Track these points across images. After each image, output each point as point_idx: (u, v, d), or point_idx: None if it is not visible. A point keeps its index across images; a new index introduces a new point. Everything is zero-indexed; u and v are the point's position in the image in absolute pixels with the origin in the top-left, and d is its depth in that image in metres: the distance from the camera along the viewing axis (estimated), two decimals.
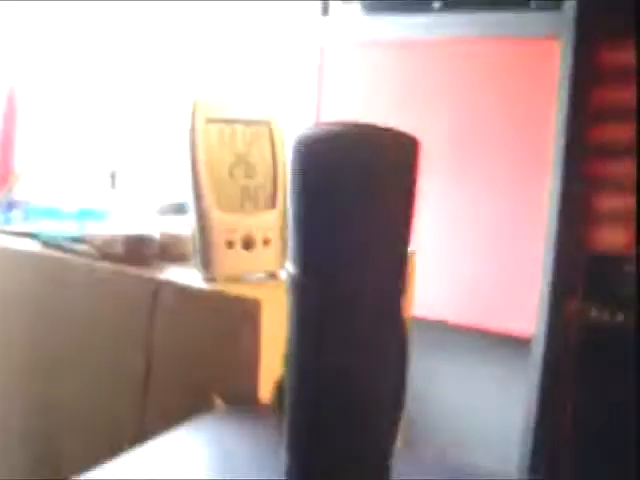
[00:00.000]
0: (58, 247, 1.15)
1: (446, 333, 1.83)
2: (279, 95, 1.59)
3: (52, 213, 1.33)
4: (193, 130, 0.93)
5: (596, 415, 1.61)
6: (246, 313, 0.89)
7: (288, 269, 0.59)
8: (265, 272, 0.99)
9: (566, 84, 1.60)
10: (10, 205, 1.44)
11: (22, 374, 1.24)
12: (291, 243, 0.58)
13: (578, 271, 1.67)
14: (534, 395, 1.68)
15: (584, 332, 1.67)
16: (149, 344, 0.99)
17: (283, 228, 0.99)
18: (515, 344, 1.74)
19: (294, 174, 0.57)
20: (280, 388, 0.91)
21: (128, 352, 1.03)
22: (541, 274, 1.65)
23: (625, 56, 1.56)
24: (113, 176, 1.50)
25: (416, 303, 1.35)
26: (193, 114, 0.94)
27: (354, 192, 0.54)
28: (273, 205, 0.99)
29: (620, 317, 1.60)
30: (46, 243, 1.18)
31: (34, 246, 1.19)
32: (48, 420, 1.21)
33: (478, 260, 1.77)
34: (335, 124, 0.58)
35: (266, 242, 0.97)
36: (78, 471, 0.68)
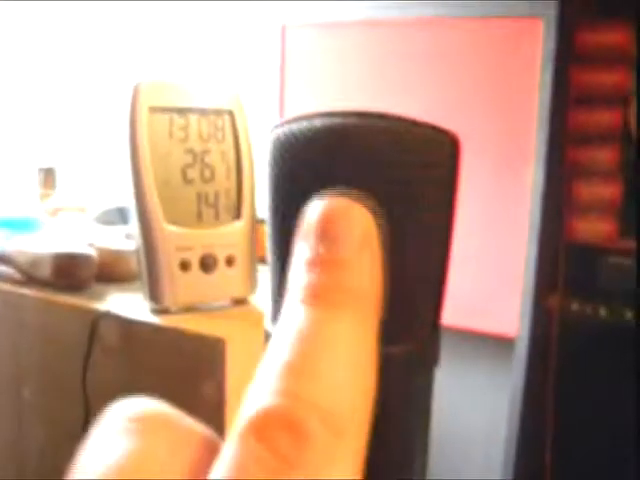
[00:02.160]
0: None
1: None
2: (239, 80, 1.40)
3: None
4: (134, 121, 0.74)
5: (579, 409, 1.57)
6: (208, 355, 0.70)
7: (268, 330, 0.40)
8: (230, 299, 0.80)
9: (549, 66, 1.51)
10: None
11: None
12: (271, 289, 0.39)
13: (560, 263, 1.62)
14: (518, 392, 1.63)
15: (566, 326, 1.60)
16: (87, 391, 0.79)
17: (250, 243, 0.79)
18: (498, 344, 1.70)
19: (275, 181, 0.38)
20: None
21: (62, 400, 0.83)
22: (522, 272, 1.59)
23: (608, 37, 1.49)
24: (48, 174, 1.29)
25: None
26: (134, 101, 0.75)
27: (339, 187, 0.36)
28: (238, 215, 0.79)
29: (602, 311, 1.57)
30: None
31: None
32: None
33: (458, 260, 1.64)
34: (312, 115, 0.39)
35: (230, 261, 0.78)
36: None
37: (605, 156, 1.56)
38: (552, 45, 1.50)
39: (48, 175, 1.37)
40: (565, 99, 1.54)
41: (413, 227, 0.29)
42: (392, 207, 0.27)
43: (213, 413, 0.71)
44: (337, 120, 0.36)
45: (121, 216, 1.06)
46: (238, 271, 0.79)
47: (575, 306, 1.60)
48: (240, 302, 0.80)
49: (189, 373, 0.72)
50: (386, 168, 0.28)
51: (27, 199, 1.21)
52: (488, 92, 1.59)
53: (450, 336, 1.72)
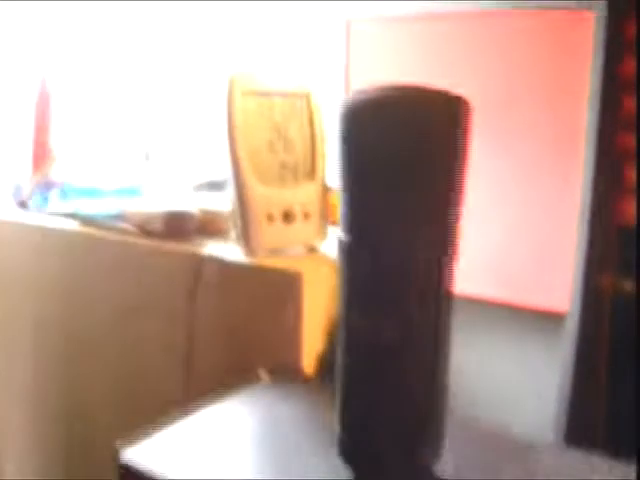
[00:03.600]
0: (97, 225, 1.16)
1: (472, 308, 1.82)
2: (309, 69, 1.57)
3: (90, 192, 1.34)
4: (230, 103, 0.93)
5: (631, 386, 1.59)
6: (288, 286, 0.89)
7: (339, 236, 0.58)
8: (305, 246, 0.99)
9: (600, 53, 1.58)
10: (47, 186, 1.45)
11: (61, 353, 1.25)
12: (341, 210, 0.57)
13: (611, 244, 1.66)
14: (569, 370, 1.66)
15: (619, 306, 1.65)
16: (191, 320, 0.99)
17: (322, 201, 0.98)
18: (547, 320, 1.73)
19: (341, 141, 0.56)
20: (323, 360, 0.91)
21: (170, 329, 1.03)
22: (573, 248, 1.64)
23: None
24: (148, 156, 1.51)
25: None
26: (230, 87, 0.94)
27: (402, 158, 0.53)
28: (312, 178, 0.98)
29: None
30: (84, 222, 1.19)
31: (73, 225, 1.20)
32: (88, 398, 1.22)
33: (508, 234, 1.75)
34: (380, 88, 0.57)
35: (306, 216, 0.97)
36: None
37: None
38: (602, 35, 1.60)
39: (147, 157, 1.59)
40: (616, 85, 1.62)
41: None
42: None
43: (293, 332, 0.90)
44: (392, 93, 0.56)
45: (214, 187, 1.26)
46: (312, 224, 0.97)
47: (628, 286, 1.66)
48: (313, 249, 0.99)
49: (273, 302, 0.91)
50: None
51: (133, 174, 1.43)
52: (541, 81, 1.69)
53: (501, 311, 1.82)
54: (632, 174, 1.62)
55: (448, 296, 0.59)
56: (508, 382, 1.83)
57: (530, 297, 1.73)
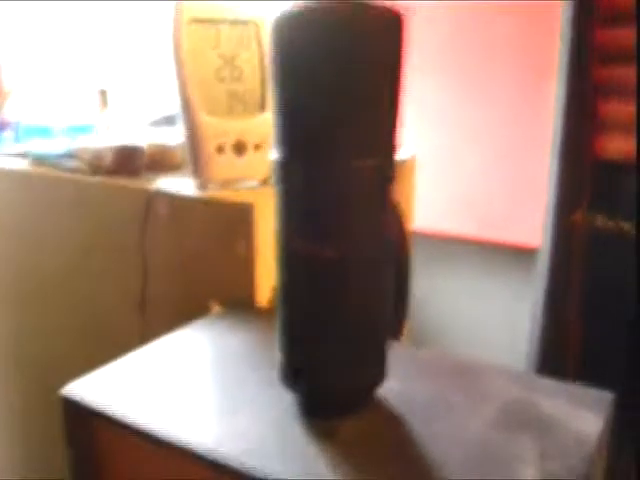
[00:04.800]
0: (49, 164, 1.13)
1: (447, 245, 1.83)
2: None
3: (42, 131, 1.31)
4: (177, 31, 0.90)
5: (602, 318, 1.61)
6: (239, 218, 0.87)
7: (273, 155, 0.57)
8: (258, 179, 0.97)
9: None
10: (1, 126, 1.41)
11: (16, 296, 1.24)
12: (274, 127, 0.56)
13: (584, 180, 1.65)
14: (540, 302, 1.68)
15: (590, 240, 1.66)
16: (144, 255, 0.98)
17: None
18: (520, 255, 1.75)
19: (273, 54, 0.54)
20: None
21: (124, 264, 1.02)
22: (545, 184, 1.64)
23: None
24: (103, 93, 1.46)
25: (416, 215, 1.33)
26: (177, 15, 0.91)
27: (335, 65, 0.51)
28: (263, 109, 0.96)
29: (626, 226, 1.56)
30: (37, 161, 1.16)
31: (25, 165, 1.17)
32: (45, 342, 1.21)
33: (482, 172, 1.75)
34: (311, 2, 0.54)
35: (257, 147, 0.95)
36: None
37: (629, 75, 1.60)
38: None
39: (102, 95, 1.54)
40: (590, 18, 1.58)
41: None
42: None
43: (244, 267, 0.89)
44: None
45: (169, 122, 1.23)
46: (264, 156, 0.95)
47: (599, 221, 1.65)
48: (265, 182, 0.97)
49: (225, 234, 0.90)
50: None
51: (85, 112, 1.39)
52: (513, 9, 1.65)
53: (474, 247, 1.83)
54: (606, 108, 1.60)
55: (388, 210, 0.57)
56: (481, 317, 1.86)
57: (503, 233, 1.74)
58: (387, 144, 0.54)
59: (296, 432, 0.58)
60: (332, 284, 0.56)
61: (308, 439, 0.57)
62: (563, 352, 1.68)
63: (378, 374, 0.61)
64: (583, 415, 0.60)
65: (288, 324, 0.60)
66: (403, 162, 1.19)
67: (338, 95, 0.51)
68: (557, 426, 0.58)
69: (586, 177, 1.62)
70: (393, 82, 0.53)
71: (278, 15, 0.53)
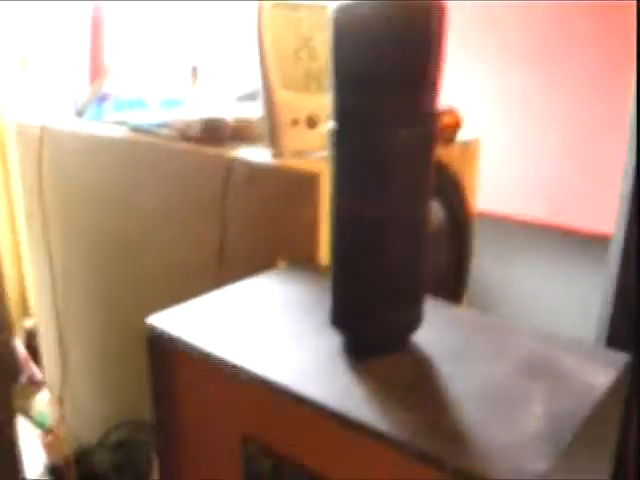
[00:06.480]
0: (143, 132, 1.26)
1: (512, 229, 1.87)
2: None
3: (138, 104, 1.44)
4: (260, 15, 1.00)
5: None
6: (307, 185, 0.97)
7: (329, 125, 0.66)
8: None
9: None
10: (102, 98, 1.56)
11: (112, 251, 1.38)
12: (332, 102, 0.65)
13: None
14: (610, 291, 1.69)
15: None
16: (223, 214, 1.09)
17: None
18: (593, 242, 1.75)
19: (332, 38, 0.63)
20: None
21: (205, 225, 1.14)
22: (620, 171, 1.64)
23: None
24: (195, 70, 1.59)
25: (481, 197, 1.39)
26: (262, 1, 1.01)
27: (384, 52, 0.59)
28: None
29: None
30: (133, 129, 1.29)
31: (123, 132, 1.30)
32: (135, 290, 1.35)
33: (557, 158, 1.78)
34: None
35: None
36: None
37: None
38: None
39: (194, 72, 1.67)
40: None
41: None
42: None
43: (309, 229, 0.99)
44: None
45: (253, 98, 1.34)
46: None
47: None
48: None
49: (294, 199, 1.00)
50: None
51: (178, 86, 1.52)
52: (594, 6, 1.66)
53: (548, 232, 1.87)
54: None
55: (429, 176, 0.65)
56: (551, 301, 1.88)
57: (577, 219, 1.76)
58: (427, 115, 0.63)
59: (339, 367, 0.68)
60: (373, 237, 0.65)
61: (349, 373, 0.66)
62: (632, 340, 1.72)
63: (414, 320, 0.70)
64: (597, 370, 0.67)
65: (338, 274, 0.69)
66: (467, 144, 1.26)
67: (381, 74, 0.59)
68: (570, 377, 0.66)
69: None
70: (433, 61, 0.61)
71: (337, 11, 0.62)
